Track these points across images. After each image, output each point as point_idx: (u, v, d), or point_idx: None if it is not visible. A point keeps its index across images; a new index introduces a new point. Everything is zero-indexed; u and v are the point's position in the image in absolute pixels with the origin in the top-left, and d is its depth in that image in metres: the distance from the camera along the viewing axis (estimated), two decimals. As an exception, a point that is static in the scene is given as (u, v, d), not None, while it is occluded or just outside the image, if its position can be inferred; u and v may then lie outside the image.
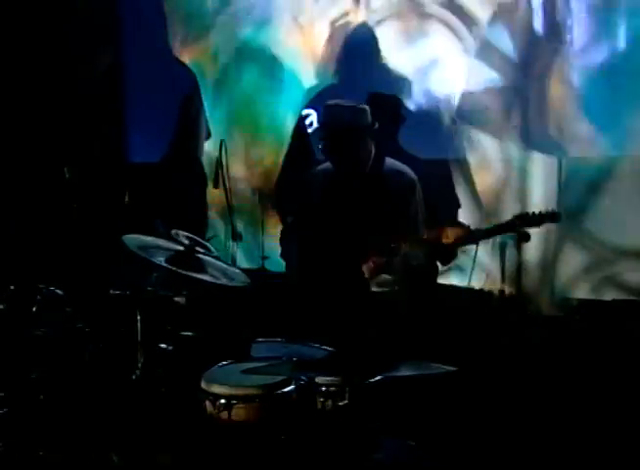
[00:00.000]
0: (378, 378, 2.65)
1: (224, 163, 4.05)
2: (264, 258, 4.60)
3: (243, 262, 4.44)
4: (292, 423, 2.71)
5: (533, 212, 3.26)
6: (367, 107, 3.65)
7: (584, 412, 3.35)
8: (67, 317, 3.60)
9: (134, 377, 3.27)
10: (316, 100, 4.54)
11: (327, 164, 3.76)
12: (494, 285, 3.90)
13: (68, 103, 5.27)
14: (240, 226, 4.22)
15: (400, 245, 3.41)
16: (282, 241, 4.03)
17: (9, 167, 4.95)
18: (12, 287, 3.64)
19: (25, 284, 3.68)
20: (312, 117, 4.64)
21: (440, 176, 4.19)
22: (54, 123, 5.18)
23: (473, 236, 3.40)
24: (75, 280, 3.87)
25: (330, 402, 2.67)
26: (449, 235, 3.37)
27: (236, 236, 4.08)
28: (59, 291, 3.68)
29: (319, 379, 2.70)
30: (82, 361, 3.49)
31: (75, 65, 5.33)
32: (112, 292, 3.65)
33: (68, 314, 3.61)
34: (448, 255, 3.51)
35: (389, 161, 3.65)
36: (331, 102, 3.63)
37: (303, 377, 2.71)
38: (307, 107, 4.68)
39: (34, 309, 3.59)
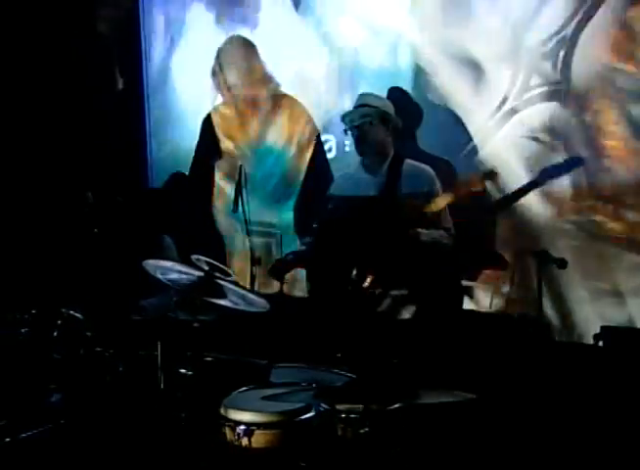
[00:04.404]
0: (397, 405, 2.63)
1: (243, 187, 4.07)
2: (283, 282, 4.59)
3: (262, 286, 4.43)
4: (312, 450, 2.70)
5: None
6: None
7: (603, 438, 3.30)
8: (87, 341, 3.63)
9: (153, 402, 3.27)
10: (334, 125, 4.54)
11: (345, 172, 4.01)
12: (514, 310, 3.89)
13: (92, 128, 5.34)
14: (259, 250, 4.21)
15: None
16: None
17: (32, 192, 5.01)
18: (33, 311, 3.67)
19: (47, 308, 3.71)
20: (331, 143, 4.65)
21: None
22: (77, 149, 5.24)
23: None
24: (96, 304, 3.89)
25: (350, 430, 2.65)
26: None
27: (255, 260, 4.07)
28: (79, 315, 3.71)
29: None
30: (102, 386, 3.50)
31: (99, 91, 5.41)
32: (132, 316, 3.66)
33: (89, 338, 3.64)
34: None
35: (408, 161, 3.81)
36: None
37: (324, 404, 2.70)
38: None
39: (55, 333, 3.62)
